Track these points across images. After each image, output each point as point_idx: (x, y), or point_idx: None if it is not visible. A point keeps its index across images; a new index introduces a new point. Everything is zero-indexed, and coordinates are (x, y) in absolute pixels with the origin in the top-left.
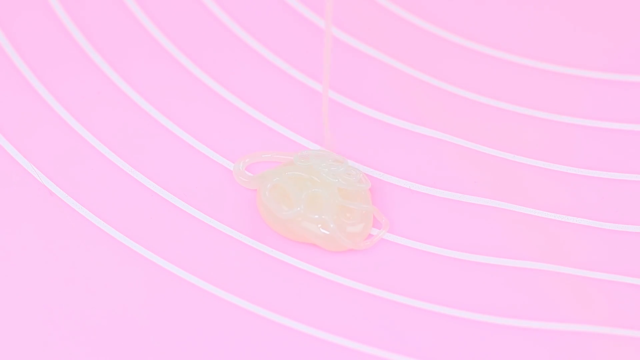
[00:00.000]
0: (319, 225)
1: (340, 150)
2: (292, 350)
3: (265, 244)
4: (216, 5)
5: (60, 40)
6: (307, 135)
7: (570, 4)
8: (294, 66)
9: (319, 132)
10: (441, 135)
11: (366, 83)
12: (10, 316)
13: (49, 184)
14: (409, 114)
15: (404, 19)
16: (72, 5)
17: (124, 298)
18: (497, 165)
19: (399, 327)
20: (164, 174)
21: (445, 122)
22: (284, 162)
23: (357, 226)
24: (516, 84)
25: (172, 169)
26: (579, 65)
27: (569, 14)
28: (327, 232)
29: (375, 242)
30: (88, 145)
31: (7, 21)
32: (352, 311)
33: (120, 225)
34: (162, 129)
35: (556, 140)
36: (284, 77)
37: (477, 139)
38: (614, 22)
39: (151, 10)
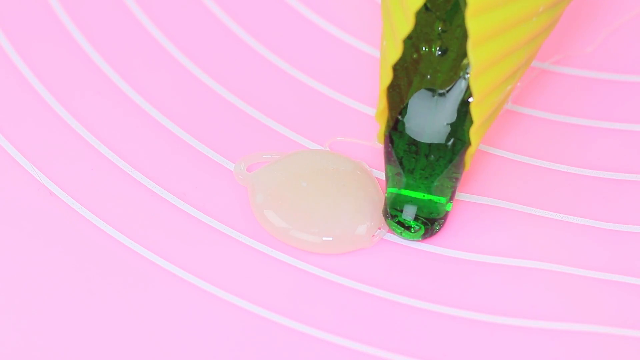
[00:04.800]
0: (316, 234)
1: (342, 150)
2: (292, 350)
3: (265, 244)
4: (216, 5)
5: (60, 40)
6: (307, 135)
7: (569, 4)
8: (294, 66)
9: (319, 132)
10: None
11: (366, 82)
12: (10, 316)
13: (49, 184)
14: None
15: None
16: (72, 5)
17: (123, 298)
18: (498, 164)
19: (399, 327)
20: (164, 174)
21: None
22: (277, 160)
23: (361, 227)
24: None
25: (172, 169)
26: (579, 65)
27: (569, 14)
28: (325, 240)
29: (375, 241)
30: (88, 145)
31: (7, 21)
32: (352, 311)
33: (120, 225)
34: (162, 129)
35: (556, 140)
36: (285, 76)
37: None
38: (613, 22)
39: (151, 9)
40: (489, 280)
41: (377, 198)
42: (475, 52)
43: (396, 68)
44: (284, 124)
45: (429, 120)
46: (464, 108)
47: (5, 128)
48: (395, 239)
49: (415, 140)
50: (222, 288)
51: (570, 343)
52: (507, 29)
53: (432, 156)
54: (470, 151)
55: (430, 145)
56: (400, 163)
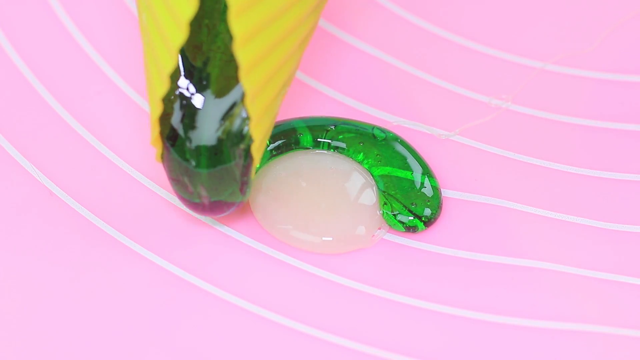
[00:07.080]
0: (316, 234)
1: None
2: (292, 350)
3: (265, 244)
4: None
5: (60, 40)
6: None
7: (570, 4)
8: None
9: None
10: (441, 133)
11: (366, 82)
12: (10, 316)
13: (49, 184)
14: (409, 113)
15: (404, 19)
16: (72, 5)
17: (124, 298)
18: (497, 164)
19: (399, 327)
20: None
21: (445, 121)
22: (277, 160)
23: (361, 227)
24: (516, 84)
25: None
26: (579, 65)
27: (568, 14)
28: (325, 240)
29: (375, 241)
30: (88, 145)
31: (7, 21)
32: (352, 311)
33: (120, 225)
34: None
35: (556, 140)
36: None
37: (477, 137)
38: (613, 22)
39: None
40: (488, 280)
41: (377, 198)
42: (243, 52)
43: (164, 98)
44: None
45: (204, 125)
46: (233, 110)
47: (5, 128)
48: (395, 239)
49: (194, 152)
50: (222, 288)
51: (571, 343)
52: (271, 21)
53: (215, 154)
54: (255, 146)
55: (210, 147)
56: (188, 176)
